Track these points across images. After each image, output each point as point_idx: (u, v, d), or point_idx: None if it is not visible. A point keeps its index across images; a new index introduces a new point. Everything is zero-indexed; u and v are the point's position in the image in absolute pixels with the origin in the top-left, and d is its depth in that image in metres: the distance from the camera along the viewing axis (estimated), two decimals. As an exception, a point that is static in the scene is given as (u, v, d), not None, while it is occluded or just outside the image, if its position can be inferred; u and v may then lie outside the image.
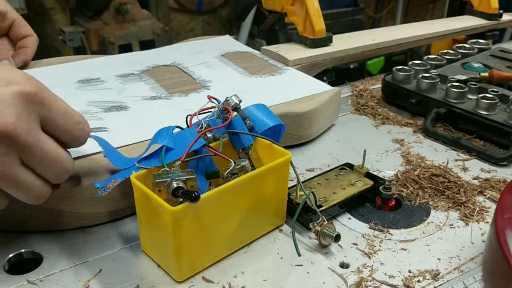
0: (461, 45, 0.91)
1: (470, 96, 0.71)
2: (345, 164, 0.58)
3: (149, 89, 0.66)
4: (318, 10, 0.80)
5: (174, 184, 0.41)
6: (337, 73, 2.09)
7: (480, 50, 0.89)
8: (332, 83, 0.74)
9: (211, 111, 0.50)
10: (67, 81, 0.65)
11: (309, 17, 0.80)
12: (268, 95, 0.65)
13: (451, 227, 0.52)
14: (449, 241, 0.50)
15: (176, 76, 0.71)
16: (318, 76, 0.80)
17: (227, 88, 0.67)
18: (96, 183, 0.45)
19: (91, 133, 0.46)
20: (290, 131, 0.62)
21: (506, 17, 1.04)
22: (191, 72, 0.72)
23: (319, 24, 0.80)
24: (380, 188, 0.54)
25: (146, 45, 2.00)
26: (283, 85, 0.69)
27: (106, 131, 0.55)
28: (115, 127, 0.56)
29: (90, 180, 0.47)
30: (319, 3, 0.81)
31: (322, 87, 0.69)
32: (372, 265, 0.46)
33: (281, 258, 0.47)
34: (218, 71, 0.73)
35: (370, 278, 0.45)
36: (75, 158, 0.50)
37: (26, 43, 0.69)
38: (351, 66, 2.23)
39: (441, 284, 0.44)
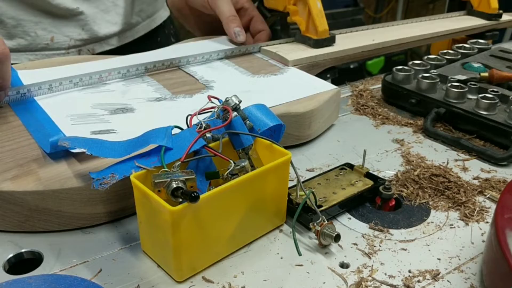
0: (461, 45, 0.91)
1: (470, 96, 0.71)
2: (345, 164, 0.58)
3: (153, 90, 0.66)
4: (321, 11, 0.80)
5: (174, 185, 0.41)
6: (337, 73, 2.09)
7: (480, 50, 0.89)
8: (334, 82, 0.74)
9: (211, 111, 0.50)
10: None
11: (312, 17, 0.80)
12: (272, 95, 0.65)
13: (451, 227, 0.52)
14: (449, 241, 0.50)
15: (179, 77, 0.71)
16: (322, 73, 0.80)
17: (230, 89, 0.67)
18: (92, 173, 0.45)
19: (63, 143, 0.46)
20: (290, 131, 0.62)
21: (506, 17, 1.04)
22: (193, 73, 0.72)
23: (322, 25, 0.80)
24: (380, 188, 0.54)
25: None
26: (286, 85, 0.69)
27: (115, 132, 0.55)
28: (122, 129, 0.56)
29: (89, 181, 0.47)
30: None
31: (325, 86, 0.69)
32: (372, 265, 0.46)
33: (281, 258, 0.47)
34: (220, 71, 0.73)
35: (370, 278, 0.45)
36: (79, 160, 0.50)
37: (260, 37, 0.85)
38: (351, 66, 2.23)
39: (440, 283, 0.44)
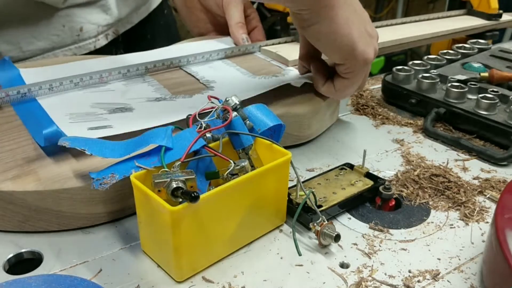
0: (461, 45, 0.91)
1: (470, 96, 0.71)
2: (345, 164, 0.58)
3: (153, 90, 0.66)
4: None
5: (174, 185, 0.41)
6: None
7: (480, 50, 0.89)
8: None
9: (211, 111, 0.50)
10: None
11: (312, 17, 0.80)
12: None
13: (451, 227, 0.52)
14: (449, 241, 0.50)
15: (179, 76, 0.71)
16: None
17: (231, 89, 0.66)
18: (92, 173, 0.45)
19: (63, 143, 0.46)
20: (290, 131, 0.62)
21: (506, 17, 1.04)
22: (194, 73, 0.72)
23: None
24: (380, 188, 0.54)
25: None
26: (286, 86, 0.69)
27: (112, 127, 0.55)
28: (120, 126, 0.56)
29: (89, 181, 0.47)
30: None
31: None
32: (372, 265, 0.46)
33: (281, 258, 0.47)
34: (221, 71, 0.73)
35: (370, 278, 0.45)
36: (79, 160, 0.50)
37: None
38: (351, 66, 2.22)
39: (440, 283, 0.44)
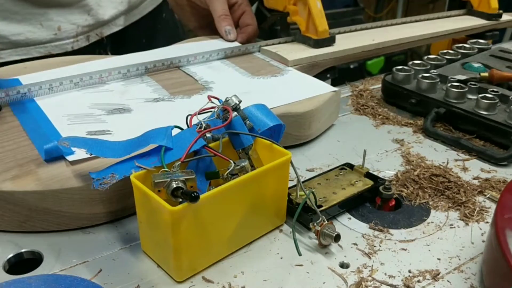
0: (461, 45, 0.91)
1: (470, 96, 0.71)
2: (345, 164, 0.58)
3: (152, 91, 0.66)
4: (321, 11, 0.80)
5: (174, 185, 0.41)
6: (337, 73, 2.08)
7: (480, 50, 0.89)
8: (334, 82, 0.73)
9: (211, 111, 0.50)
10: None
11: (312, 17, 0.80)
12: (271, 96, 0.65)
13: (451, 227, 0.52)
14: (449, 241, 0.50)
15: (178, 77, 0.71)
16: (322, 73, 0.80)
17: (230, 90, 0.67)
18: (92, 173, 0.45)
19: (62, 143, 0.46)
20: (290, 131, 0.62)
21: (506, 17, 1.04)
22: (192, 74, 0.72)
23: (322, 25, 0.80)
24: (380, 188, 0.54)
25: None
26: (286, 86, 0.69)
27: (110, 134, 0.55)
28: (118, 130, 0.56)
29: (89, 181, 0.47)
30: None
31: (325, 88, 0.69)
32: (372, 265, 0.46)
33: (281, 258, 0.47)
34: (220, 72, 0.73)
35: (370, 278, 0.45)
36: (78, 161, 0.50)
37: (246, 30, 0.86)
38: (351, 66, 2.22)
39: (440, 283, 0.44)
